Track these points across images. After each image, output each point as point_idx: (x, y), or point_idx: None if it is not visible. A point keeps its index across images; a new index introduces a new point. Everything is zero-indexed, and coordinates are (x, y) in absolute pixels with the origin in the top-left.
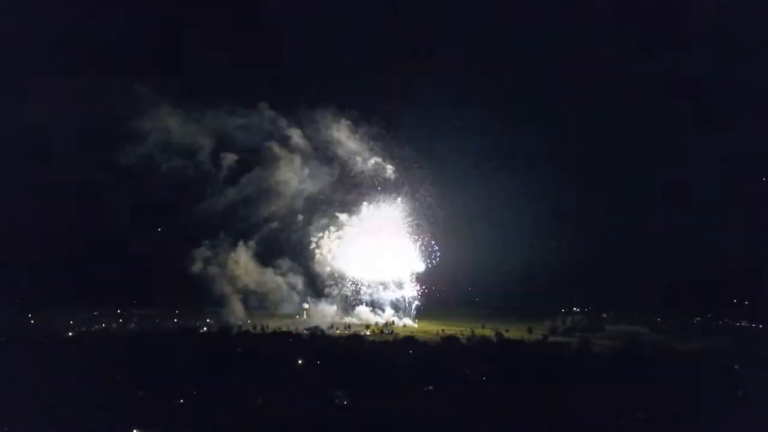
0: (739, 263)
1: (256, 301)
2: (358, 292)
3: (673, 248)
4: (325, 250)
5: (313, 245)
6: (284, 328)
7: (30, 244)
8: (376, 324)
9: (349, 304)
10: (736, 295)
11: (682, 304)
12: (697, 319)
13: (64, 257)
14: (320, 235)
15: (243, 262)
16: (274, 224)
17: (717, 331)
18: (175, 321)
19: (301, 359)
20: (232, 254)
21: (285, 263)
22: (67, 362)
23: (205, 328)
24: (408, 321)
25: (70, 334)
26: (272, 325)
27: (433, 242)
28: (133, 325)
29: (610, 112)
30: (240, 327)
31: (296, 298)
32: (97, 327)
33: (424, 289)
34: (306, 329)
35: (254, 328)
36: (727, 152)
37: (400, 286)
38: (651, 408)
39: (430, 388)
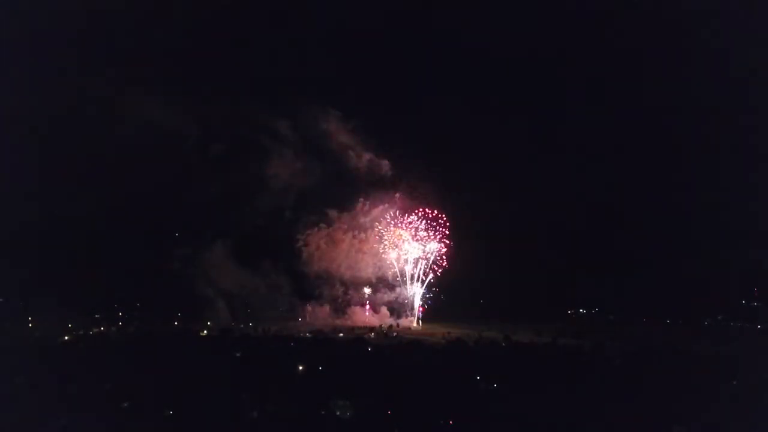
0: (746, 263)
1: (241, 302)
2: (346, 293)
3: (678, 249)
4: (312, 248)
5: (300, 243)
6: (285, 332)
7: (28, 246)
8: (380, 326)
9: (340, 306)
10: (745, 297)
11: (690, 306)
12: (708, 320)
13: (63, 258)
14: (308, 232)
15: (228, 261)
16: (260, 221)
17: (730, 333)
18: (175, 324)
19: (301, 365)
20: (216, 254)
21: (272, 262)
22: (59, 367)
23: (205, 332)
24: (412, 323)
25: (67, 338)
26: (268, 327)
27: (433, 241)
28: (132, 329)
29: (621, 109)
30: (241, 330)
31: (283, 299)
32: (95, 330)
33: (426, 291)
34: (309, 333)
35: (255, 331)
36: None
37: (392, 288)
38: (678, 415)
39: (440, 399)
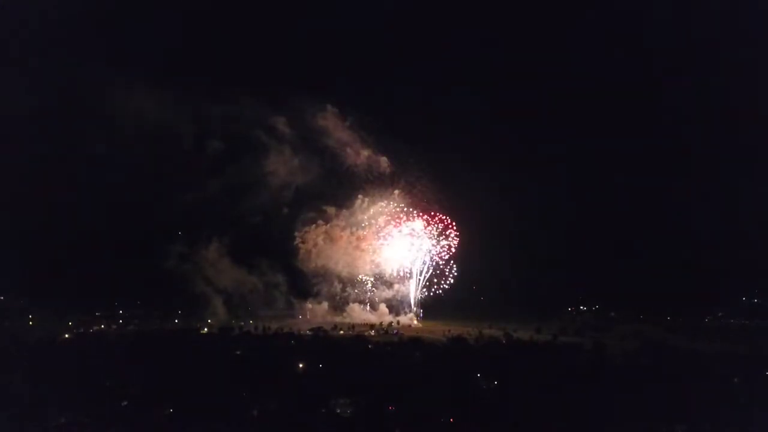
0: (747, 261)
1: (240, 300)
2: (344, 290)
3: (678, 247)
4: (310, 246)
5: (297, 240)
6: (285, 329)
7: (28, 245)
8: (380, 324)
9: (338, 303)
10: (745, 294)
11: (690, 303)
12: (708, 318)
13: (63, 257)
14: (305, 229)
15: (225, 259)
16: (257, 218)
17: (730, 330)
18: (176, 322)
19: (302, 363)
20: (213, 251)
21: (270, 260)
22: (59, 365)
23: (205, 329)
24: (412, 320)
25: (67, 336)
26: (268, 325)
27: (433, 240)
28: (132, 326)
29: (622, 109)
30: (241, 327)
31: (281, 296)
32: (95, 328)
33: (426, 288)
34: (308, 330)
35: (255, 329)
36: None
37: (390, 285)
38: (680, 414)
39: (441, 398)
